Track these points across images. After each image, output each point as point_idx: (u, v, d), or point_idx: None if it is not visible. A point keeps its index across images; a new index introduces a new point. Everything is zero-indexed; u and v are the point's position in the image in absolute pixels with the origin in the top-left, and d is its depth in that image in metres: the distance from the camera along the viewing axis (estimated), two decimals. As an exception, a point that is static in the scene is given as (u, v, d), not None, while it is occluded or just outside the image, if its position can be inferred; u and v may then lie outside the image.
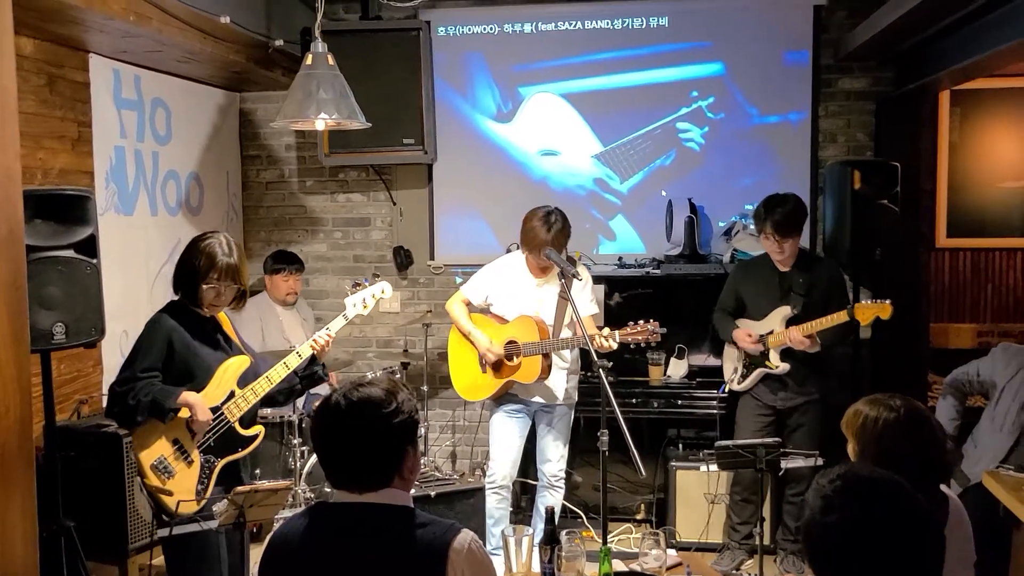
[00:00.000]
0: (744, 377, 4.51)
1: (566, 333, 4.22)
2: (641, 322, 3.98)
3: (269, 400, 3.36)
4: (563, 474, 4.43)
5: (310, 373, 3.42)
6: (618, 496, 5.10)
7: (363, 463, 1.94)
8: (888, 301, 4.15)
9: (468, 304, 4.41)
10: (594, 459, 4.74)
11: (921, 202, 5.44)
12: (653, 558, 2.90)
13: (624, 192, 5.63)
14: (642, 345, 4.00)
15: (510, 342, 4.21)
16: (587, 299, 4.29)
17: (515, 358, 4.20)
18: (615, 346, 3.96)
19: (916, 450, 2.35)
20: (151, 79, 4.91)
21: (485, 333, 4.29)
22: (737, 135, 5.48)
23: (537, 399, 4.31)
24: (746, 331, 4.46)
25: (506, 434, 4.35)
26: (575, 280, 4.14)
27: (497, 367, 4.26)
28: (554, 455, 4.37)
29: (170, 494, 3.09)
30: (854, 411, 2.46)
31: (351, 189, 5.98)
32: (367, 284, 3.56)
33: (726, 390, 4.67)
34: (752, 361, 4.48)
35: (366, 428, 1.92)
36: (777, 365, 4.39)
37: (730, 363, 4.63)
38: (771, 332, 4.39)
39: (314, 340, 3.36)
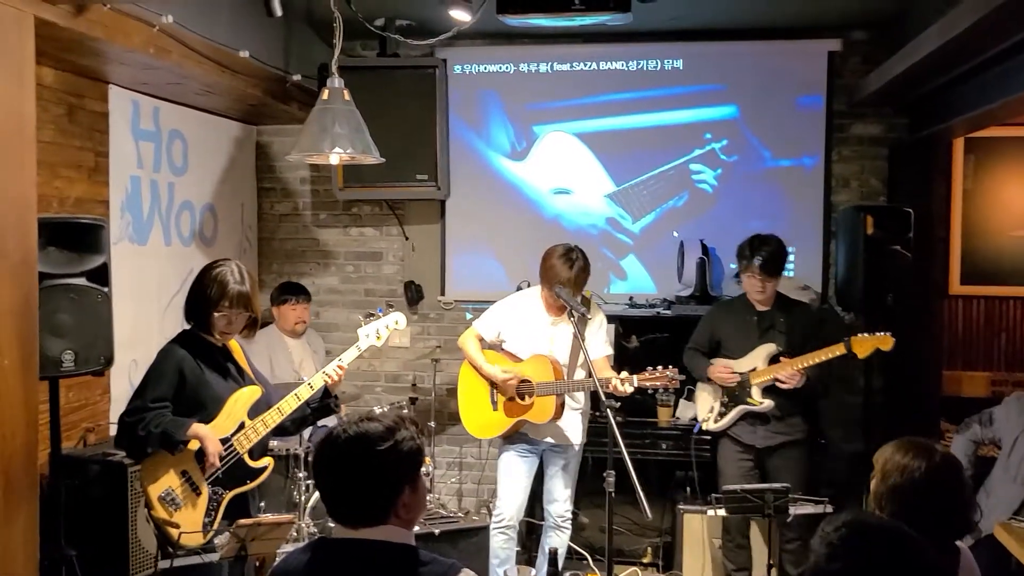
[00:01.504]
0: (722, 416, 4.45)
1: (580, 374, 4.20)
2: (660, 368, 3.97)
3: (279, 429, 3.35)
4: (570, 515, 4.38)
5: (323, 404, 3.42)
6: (625, 538, 5.04)
7: (355, 498, 1.92)
8: (888, 333, 4.11)
9: (480, 340, 4.35)
10: (601, 500, 4.69)
11: (934, 249, 5.42)
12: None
13: (636, 232, 5.63)
14: (659, 391, 3.99)
15: (523, 381, 4.16)
16: (601, 340, 4.27)
17: (527, 397, 4.15)
18: (631, 391, 3.94)
19: (943, 505, 2.31)
20: (169, 111, 4.97)
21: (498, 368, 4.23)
22: (750, 178, 5.49)
23: (548, 440, 4.26)
24: (723, 363, 4.42)
25: (515, 474, 4.30)
26: (590, 320, 4.14)
27: (509, 406, 4.22)
28: (561, 495, 4.32)
29: (177, 527, 3.07)
30: (890, 452, 2.40)
31: (364, 223, 6.01)
32: (381, 315, 3.55)
33: (701, 428, 4.59)
34: (732, 399, 4.41)
35: (358, 463, 1.90)
36: (760, 401, 4.33)
37: (704, 402, 4.56)
38: (753, 369, 4.34)
39: (326, 373, 3.36)
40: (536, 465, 4.36)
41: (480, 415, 4.30)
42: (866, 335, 4.13)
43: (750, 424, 4.40)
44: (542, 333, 4.23)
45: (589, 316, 4.13)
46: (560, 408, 4.12)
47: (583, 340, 3.91)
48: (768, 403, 4.32)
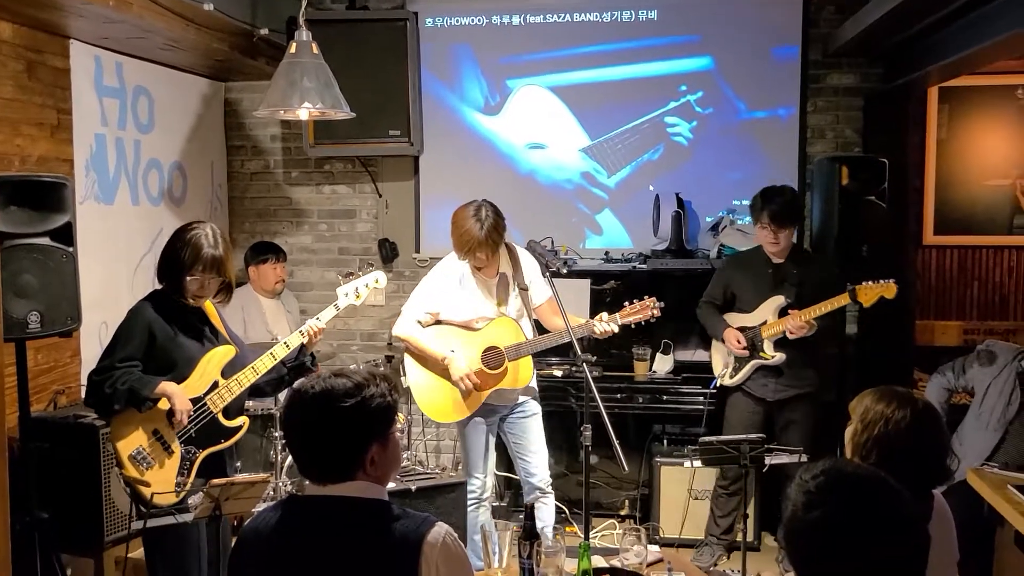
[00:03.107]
0: (737, 371, 4.47)
1: (526, 324, 3.97)
2: (636, 301, 3.85)
3: (256, 391, 3.33)
4: (550, 478, 4.15)
5: (299, 363, 3.38)
6: (602, 492, 5.08)
7: (322, 454, 1.91)
8: (892, 280, 4.12)
9: (419, 324, 3.98)
10: (578, 454, 4.72)
11: (909, 199, 5.43)
12: (634, 554, 2.87)
13: (611, 186, 5.60)
14: (643, 324, 3.88)
15: (489, 349, 3.90)
16: (541, 282, 3.95)
17: (498, 366, 3.88)
18: (616, 330, 3.82)
19: (925, 453, 2.32)
20: (134, 66, 4.85)
21: (455, 347, 3.90)
22: (725, 130, 5.45)
23: (508, 401, 4.03)
24: (736, 335, 4.41)
25: (484, 446, 4.04)
26: (523, 265, 3.97)
27: (480, 377, 3.88)
28: (541, 463, 4.07)
29: (148, 485, 3.05)
30: (871, 401, 2.40)
31: (336, 181, 5.93)
32: (360, 273, 3.51)
33: (717, 384, 4.61)
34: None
35: (323, 418, 1.89)
36: (773, 355, 4.35)
37: (720, 357, 4.59)
38: (764, 322, 4.36)
39: (304, 330, 3.32)
40: (492, 433, 4.10)
41: (444, 398, 3.94)
42: (871, 283, 4.14)
43: (762, 377, 4.42)
44: (486, 297, 3.98)
45: (564, 272, 4.06)
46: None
47: (526, 289, 3.80)
48: (780, 356, 4.34)
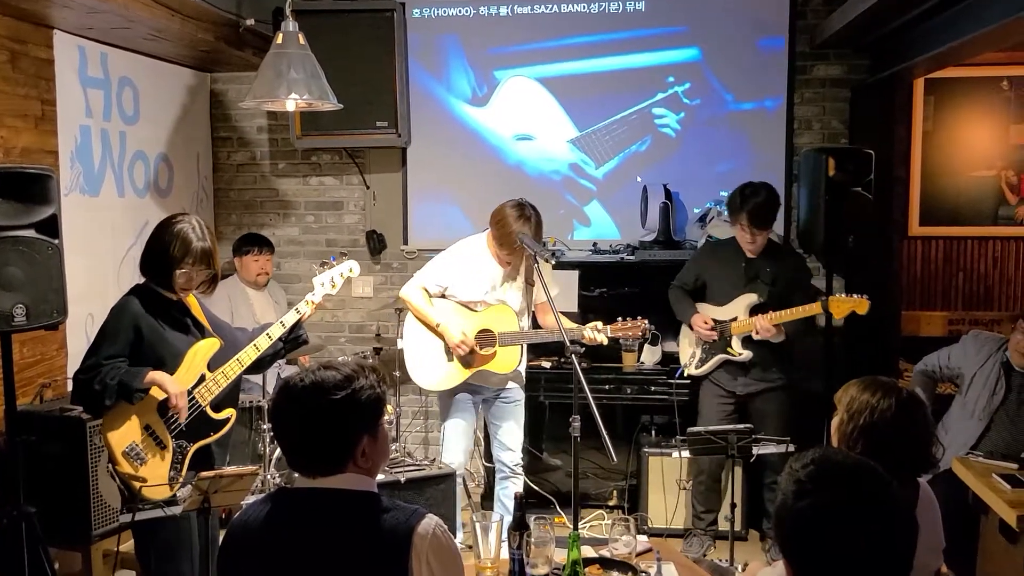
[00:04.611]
0: (703, 362, 4.49)
1: (525, 321, 4.18)
2: (630, 319, 3.98)
3: (253, 365, 3.33)
4: (522, 460, 4.38)
5: (294, 336, 3.41)
6: (591, 482, 5.09)
7: (312, 446, 1.90)
8: (865, 296, 4.15)
9: (425, 291, 4.20)
10: (566, 445, 4.72)
11: (895, 190, 5.45)
12: (623, 544, 2.88)
13: (599, 178, 5.60)
14: (630, 342, 3.98)
15: (483, 331, 4.10)
16: (549, 281, 4.09)
17: (488, 348, 4.08)
18: (605, 341, 3.95)
19: (910, 442, 2.35)
20: (118, 57, 4.81)
21: (454, 323, 4.10)
22: (713, 121, 5.46)
23: (498, 384, 4.23)
24: (704, 318, 4.43)
25: (463, 424, 4.25)
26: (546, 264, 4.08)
27: (468, 355, 4.11)
28: (516, 444, 4.31)
29: (144, 481, 3.04)
30: (856, 391, 2.42)
31: (324, 172, 5.91)
32: (334, 263, 3.53)
33: (684, 373, 4.63)
34: (712, 347, 4.46)
35: (315, 411, 1.88)
36: (740, 352, 4.37)
37: (688, 346, 4.61)
38: (734, 319, 4.37)
39: (284, 323, 3.33)
40: (476, 414, 4.33)
41: (433, 367, 4.16)
42: (843, 296, 4.17)
43: (730, 372, 4.44)
44: (493, 284, 4.15)
45: (551, 262, 4.10)
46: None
47: (546, 285, 3.86)
48: (747, 354, 4.35)
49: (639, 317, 4.00)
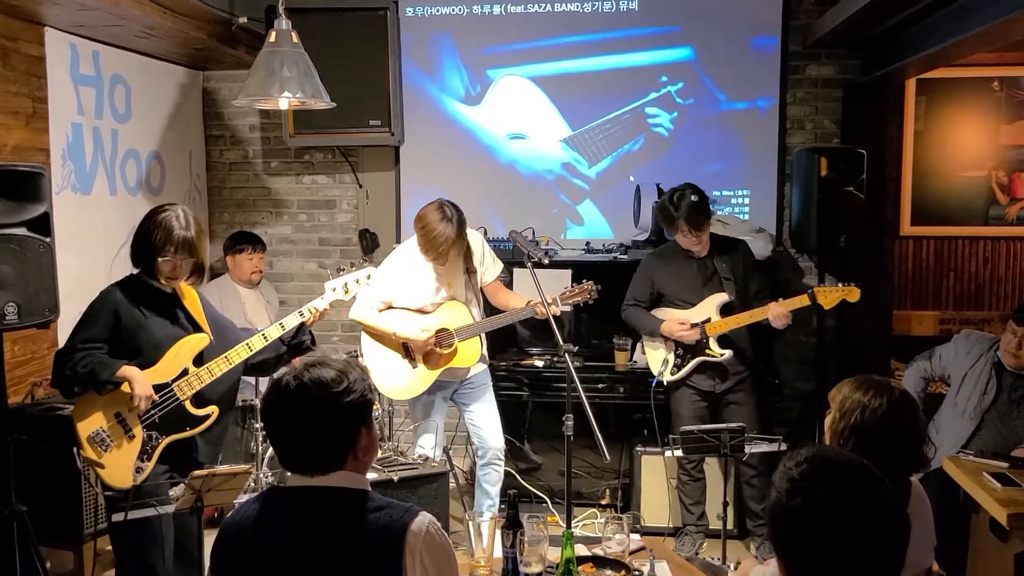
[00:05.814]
0: (679, 367, 4.42)
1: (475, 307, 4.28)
2: (576, 284, 4.11)
3: (256, 368, 3.34)
4: (504, 448, 4.42)
5: (298, 342, 3.41)
6: (584, 481, 5.09)
7: (312, 445, 1.89)
8: (854, 284, 4.16)
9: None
10: (559, 444, 4.72)
11: (886, 190, 5.48)
12: (616, 543, 2.89)
13: (592, 177, 5.60)
14: (581, 304, 4.07)
15: (439, 330, 4.13)
16: (490, 262, 4.32)
17: (447, 346, 4.13)
18: (558, 312, 3.96)
19: (902, 441, 2.36)
20: (110, 55, 4.79)
21: (412, 327, 4.14)
22: (705, 121, 5.47)
23: (460, 376, 4.29)
24: (678, 320, 4.37)
25: (434, 420, 4.34)
26: (472, 249, 4.21)
27: (429, 358, 4.17)
28: (490, 424, 4.35)
29: (103, 467, 3.04)
30: (848, 390, 2.43)
31: (316, 171, 5.90)
32: (350, 269, 3.52)
33: (659, 382, 4.51)
34: (689, 350, 4.40)
35: (315, 409, 1.87)
36: (721, 353, 4.34)
37: (656, 355, 4.51)
38: (707, 320, 4.35)
39: (305, 311, 3.36)
40: (445, 409, 4.41)
41: (399, 377, 4.22)
42: (831, 286, 4.17)
43: (707, 373, 4.41)
44: (437, 284, 4.20)
45: (545, 261, 4.09)
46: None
47: (474, 272, 4.02)
48: (728, 353, 4.33)
49: (585, 280, 4.09)
